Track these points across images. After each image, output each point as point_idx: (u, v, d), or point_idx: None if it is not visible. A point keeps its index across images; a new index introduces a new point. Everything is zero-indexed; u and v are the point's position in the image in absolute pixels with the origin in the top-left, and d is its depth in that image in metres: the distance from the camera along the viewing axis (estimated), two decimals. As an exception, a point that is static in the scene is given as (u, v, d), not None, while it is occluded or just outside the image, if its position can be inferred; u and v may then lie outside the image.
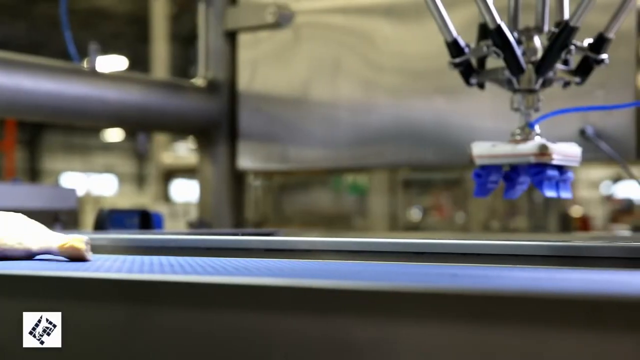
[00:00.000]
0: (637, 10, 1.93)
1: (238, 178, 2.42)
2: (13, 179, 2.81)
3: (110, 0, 10.33)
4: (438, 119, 2.13)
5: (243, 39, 2.39)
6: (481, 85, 1.48)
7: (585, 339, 0.58)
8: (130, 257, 1.01)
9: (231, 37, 2.40)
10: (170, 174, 7.90)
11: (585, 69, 1.43)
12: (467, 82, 1.47)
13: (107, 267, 0.86)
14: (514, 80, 1.41)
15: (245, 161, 2.38)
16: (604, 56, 1.42)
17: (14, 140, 7.54)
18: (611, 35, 1.41)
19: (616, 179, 8.67)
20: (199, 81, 2.41)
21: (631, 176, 1.96)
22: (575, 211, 7.72)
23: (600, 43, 1.41)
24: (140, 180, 17.92)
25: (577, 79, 1.44)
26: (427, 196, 8.13)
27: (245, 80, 2.38)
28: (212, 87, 2.39)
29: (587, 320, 0.58)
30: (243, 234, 1.48)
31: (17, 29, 10.63)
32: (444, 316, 0.62)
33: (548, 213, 7.42)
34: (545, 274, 0.82)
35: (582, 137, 1.94)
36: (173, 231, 2.32)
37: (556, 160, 1.38)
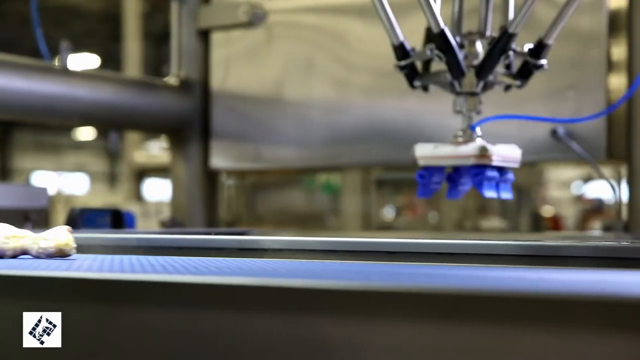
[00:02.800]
0: (608, 12, 1.95)
1: (211, 177, 2.41)
2: (-17, 178, 2.78)
3: (82, -3, 10.26)
4: (410, 119, 2.13)
5: (216, 37, 2.39)
6: (425, 88, 1.51)
7: (556, 338, 0.58)
8: (117, 257, 1.00)
9: (204, 35, 2.40)
10: (142, 172, 7.86)
11: (525, 73, 1.46)
12: (412, 85, 1.50)
13: (104, 267, 0.86)
14: (456, 83, 1.44)
15: (218, 160, 2.37)
16: (544, 61, 1.45)
17: (-16, 139, 7.47)
18: (550, 41, 1.45)
19: (587, 179, 8.75)
20: (171, 80, 2.40)
21: (602, 176, 1.98)
22: (547, 211, 7.77)
23: (540, 49, 1.44)
24: (112, 179, 17.81)
25: (518, 83, 1.47)
26: (400, 196, 8.16)
27: (218, 79, 2.37)
28: (184, 85, 2.38)
29: (557, 319, 0.58)
30: (216, 234, 1.47)
31: (-12, 26, 10.52)
32: (415, 316, 0.62)
33: (520, 213, 7.47)
34: (517, 273, 0.83)
35: (554, 138, 1.95)
36: (145, 230, 2.31)
37: (496, 161, 1.41)
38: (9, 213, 1.96)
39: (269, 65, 2.31)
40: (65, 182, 16.12)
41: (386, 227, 7.57)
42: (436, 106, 2.11)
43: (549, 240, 1.50)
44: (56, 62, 2.16)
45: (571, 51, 1.97)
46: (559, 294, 0.60)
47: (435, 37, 1.42)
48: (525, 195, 7.63)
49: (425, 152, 1.45)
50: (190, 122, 2.37)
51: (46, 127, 14.88)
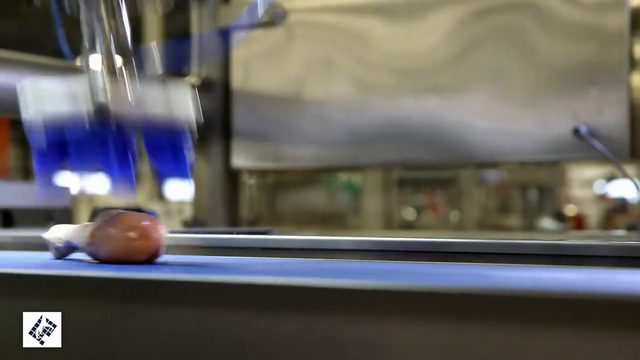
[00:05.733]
0: (630, 9, 1.94)
1: (232, 177, 2.42)
2: (6, 177, 2.80)
3: (104, -2, 10.31)
4: (431, 118, 2.13)
5: (236, 37, 2.39)
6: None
7: (577, 338, 0.58)
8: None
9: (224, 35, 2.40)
10: (164, 172, 7.87)
11: None
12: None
13: (106, 266, 0.86)
14: None
15: (239, 160, 2.38)
16: None
17: (7, 138, 7.53)
18: None
19: (610, 178, 8.69)
20: (192, 79, 2.41)
21: (625, 175, 1.97)
22: (570, 210, 7.73)
23: None
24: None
25: None
26: (421, 195, 8.14)
27: (238, 79, 2.38)
28: (205, 85, 2.39)
29: (579, 319, 0.58)
30: (237, 233, 1.48)
31: (8, 26, 10.60)
32: (436, 315, 0.61)
33: (542, 212, 7.44)
34: (539, 272, 0.82)
35: (576, 136, 1.94)
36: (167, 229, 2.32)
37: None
38: (32, 212, 1.97)
39: (289, 64, 2.31)
40: (87, 181, 16.18)
41: (407, 227, 7.56)
42: (457, 105, 2.10)
43: (572, 239, 1.49)
44: (78, 62, 2.18)
45: (593, 49, 1.96)
46: (581, 293, 0.60)
47: None
48: (547, 195, 7.59)
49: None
50: (211, 122, 2.38)
51: (69, 127, 14.93)
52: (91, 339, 0.74)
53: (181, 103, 0.97)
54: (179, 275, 0.75)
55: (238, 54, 2.38)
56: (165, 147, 0.94)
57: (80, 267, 0.86)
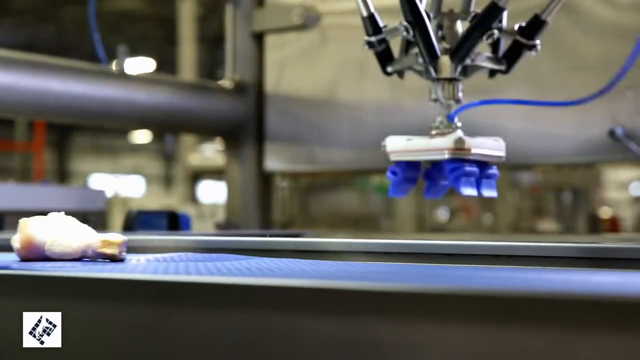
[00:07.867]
0: (667, 10, 1.91)
1: (265, 179, 2.42)
2: (42, 181, 2.84)
3: (138, 2, 10.40)
4: (464, 119, 2.11)
5: (270, 40, 2.40)
6: (400, 74, 1.34)
7: (613, 341, 0.58)
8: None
9: (258, 38, 2.41)
10: (197, 175, 7.93)
11: (513, 55, 1.25)
12: (384, 70, 1.33)
13: (111, 267, 0.86)
14: (431, 68, 1.26)
15: (272, 162, 2.38)
16: (537, 42, 1.24)
17: (43, 141, 7.61)
18: (548, 17, 1.23)
19: (646, 180, 8.58)
20: (226, 83, 2.42)
21: (661, 177, 1.94)
22: (605, 212, 7.65)
23: (534, 26, 1.23)
24: (167, 181, 18.00)
25: (503, 67, 1.28)
26: (454, 197, 8.10)
27: (272, 82, 2.39)
28: (239, 88, 2.40)
29: (616, 322, 0.58)
30: (270, 235, 1.48)
31: (46, 31, 10.72)
32: (470, 318, 0.61)
33: (577, 215, 7.37)
34: (574, 275, 0.81)
35: (612, 138, 1.92)
36: (201, 232, 2.33)
37: (474, 155, 1.25)
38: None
39: (322, 67, 2.31)
40: (121, 184, 16.33)
41: (440, 229, 7.52)
42: (490, 107, 2.09)
43: (607, 242, 1.48)
44: (113, 66, 2.20)
45: (629, 50, 1.94)
46: (617, 296, 0.59)
47: (404, 4, 1.24)
48: (582, 197, 7.52)
49: (397, 145, 1.30)
50: (245, 125, 2.39)
51: (103, 130, 15.11)
52: (91, 339, 0.74)
53: (499, 147, 1.31)
54: (180, 276, 0.75)
55: (272, 57, 2.39)
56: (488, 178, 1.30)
57: (80, 267, 0.86)
